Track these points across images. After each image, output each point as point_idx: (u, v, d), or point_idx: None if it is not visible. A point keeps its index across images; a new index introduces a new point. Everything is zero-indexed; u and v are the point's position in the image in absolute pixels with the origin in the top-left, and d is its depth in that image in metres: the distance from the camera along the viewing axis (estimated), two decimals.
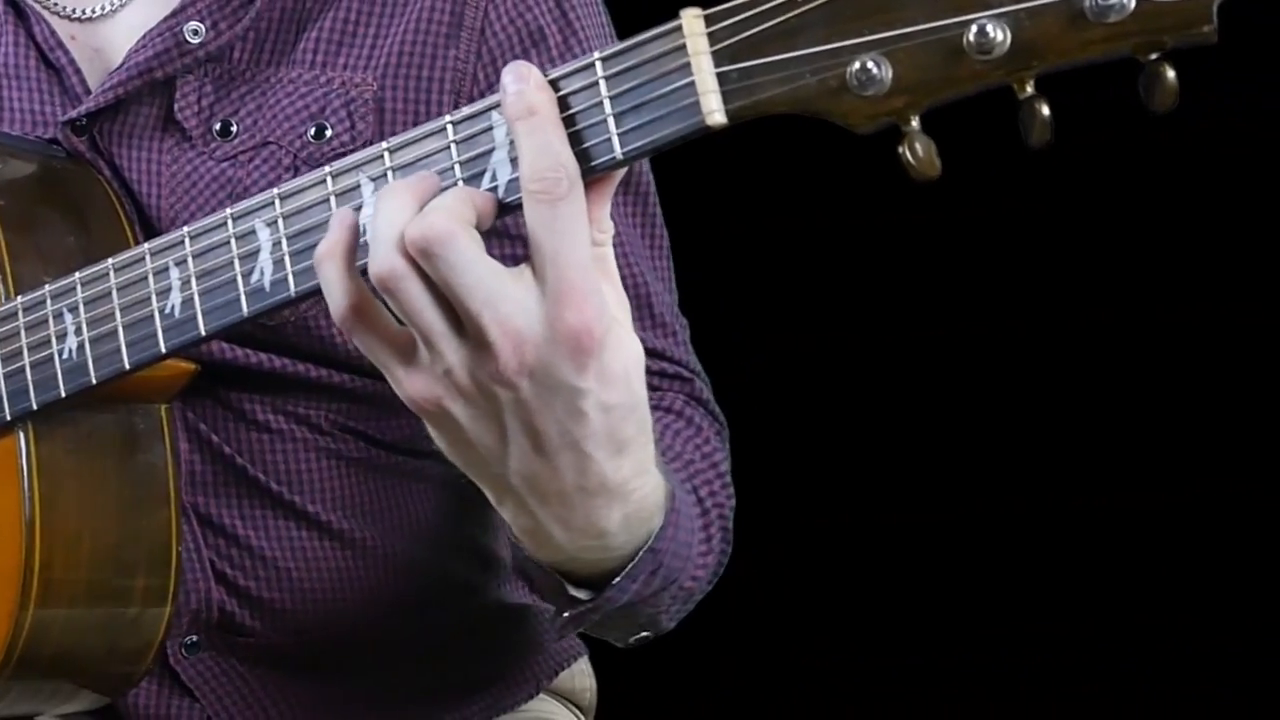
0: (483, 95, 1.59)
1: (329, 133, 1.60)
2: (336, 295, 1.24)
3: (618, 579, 1.37)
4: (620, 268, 1.60)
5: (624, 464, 1.28)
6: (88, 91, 1.63)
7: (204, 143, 1.60)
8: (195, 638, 1.62)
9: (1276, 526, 2.85)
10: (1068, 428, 2.89)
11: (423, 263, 1.20)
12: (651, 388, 1.59)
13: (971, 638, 2.90)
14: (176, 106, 1.61)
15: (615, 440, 1.26)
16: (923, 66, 1.15)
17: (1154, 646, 2.86)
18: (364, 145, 1.58)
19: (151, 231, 1.60)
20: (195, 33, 1.60)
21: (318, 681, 1.66)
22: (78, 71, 1.64)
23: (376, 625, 1.67)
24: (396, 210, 1.23)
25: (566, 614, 1.40)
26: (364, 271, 1.25)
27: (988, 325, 2.87)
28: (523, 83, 1.22)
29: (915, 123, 1.17)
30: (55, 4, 1.66)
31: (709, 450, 1.61)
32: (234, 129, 1.60)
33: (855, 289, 2.88)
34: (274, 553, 1.63)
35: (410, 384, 1.25)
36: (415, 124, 1.57)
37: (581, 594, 1.39)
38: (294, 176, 1.56)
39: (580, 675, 1.82)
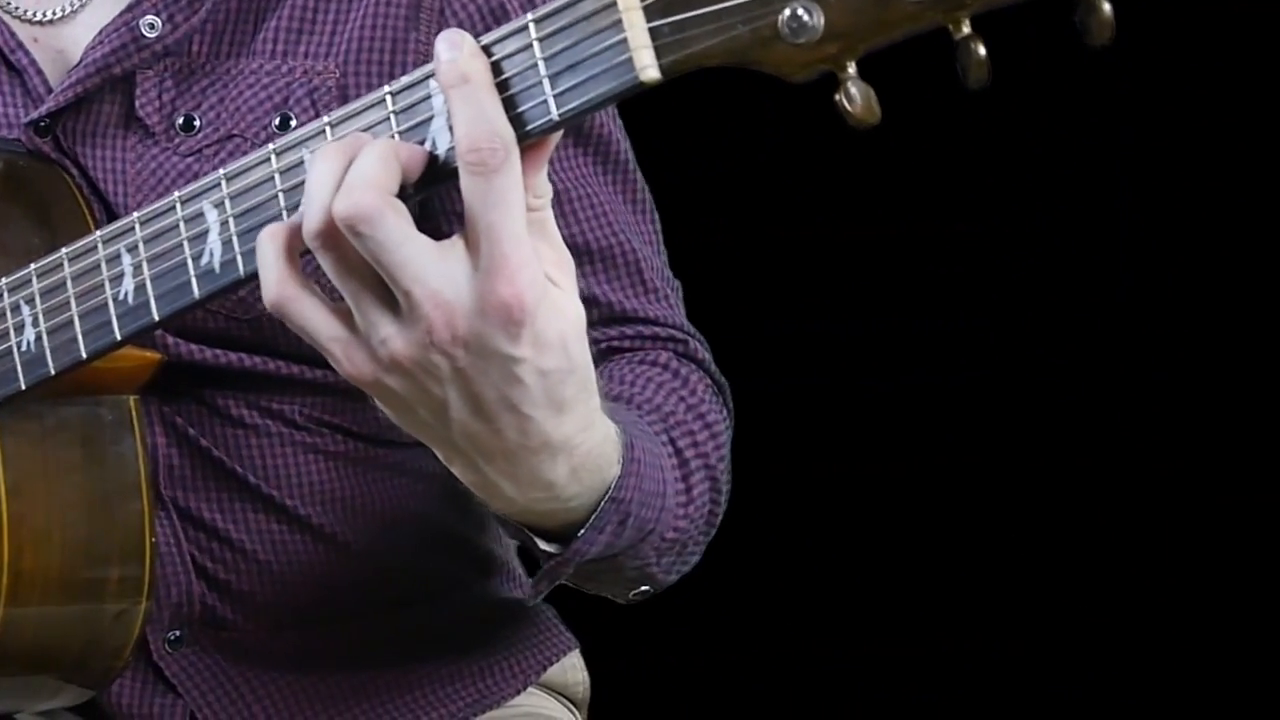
0: None
1: (294, 123, 1.58)
2: (270, 278, 1.24)
3: (584, 530, 1.38)
4: (605, 235, 1.62)
5: (565, 421, 1.29)
6: (50, 92, 1.62)
7: (167, 138, 1.59)
8: (178, 633, 1.61)
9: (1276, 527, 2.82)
10: (1067, 425, 2.87)
11: (351, 239, 1.20)
12: (638, 349, 1.60)
13: (971, 637, 2.87)
14: (138, 103, 1.59)
15: (555, 401, 1.27)
16: (854, 10, 1.13)
17: (1155, 648, 2.83)
18: None
19: None
20: (151, 27, 1.59)
21: (301, 676, 1.65)
22: (40, 73, 1.63)
23: (357, 620, 1.65)
24: (327, 173, 1.23)
25: (543, 566, 1.42)
26: None
27: (978, 315, 2.84)
28: (456, 50, 1.21)
29: (851, 69, 1.15)
30: (14, 7, 1.65)
31: (694, 402, 1.59)
32: (197, 123, 1.59)
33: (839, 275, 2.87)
34: (253, 546, 1.62)
35: (350, 362, 1.25)
36: None
37: (551, 548, 1.40)
38: None
39: (572, 669, 1.81)
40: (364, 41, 1.59)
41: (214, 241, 1.32)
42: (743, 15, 1.15)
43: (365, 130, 1.26)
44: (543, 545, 1.40)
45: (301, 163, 1.29)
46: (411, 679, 1.69)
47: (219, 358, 1.59)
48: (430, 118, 1.24)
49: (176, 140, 1.59)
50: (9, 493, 1.44)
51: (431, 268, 1.20)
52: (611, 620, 1.77)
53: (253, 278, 1.31)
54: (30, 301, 1.42)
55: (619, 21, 1.18)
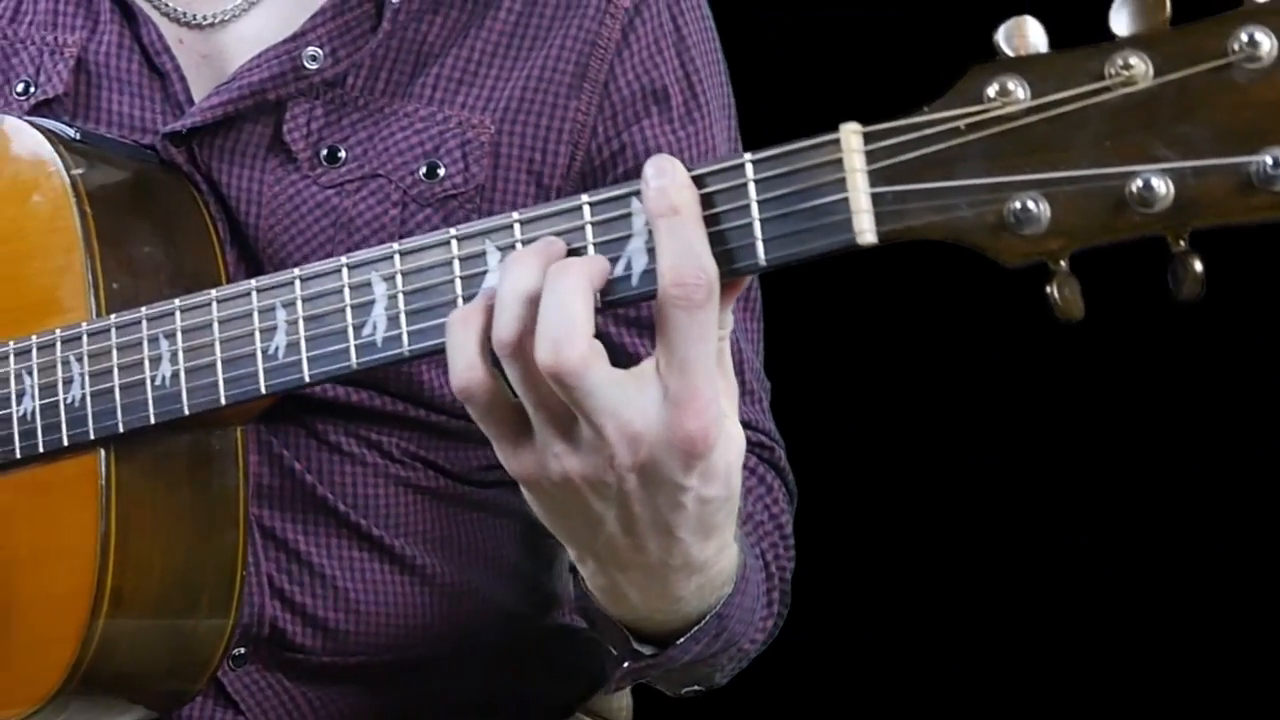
0: (600, 150, 1.61)
1: (441, 172, 1.58)
2: (461, 364, 1.24)
3: (682, 640, 1.41)
4: None
5: (709, 545, 1.31)
6: (191, 100, 1.60)
7: (310, 167, 1.58)
8: (243, 650, 1.61)
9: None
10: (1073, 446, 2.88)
11: (552, 384, 1.20)
12: None
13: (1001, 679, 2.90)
14: (285, 129, 1.58)
15: (705, 527, 1.29)
16: (1082, 212, 1.15)
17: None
18: (475, 188, 1.59)
19: (248, 251, 1.58)
20: (314, 58, 1.58)
21: (359, 697, 1.66)
22: (182, 79, 1.61)
23: (427, 648, 1.66)
24: (523, 282, 1.23)
25: (627, 664, 1.44)
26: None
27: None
28: (665, 178, 1.21)
29: (1064, 264, 1.17)
30: (168, 6, 1.63)
31: (776, 511, 1.63)
32: (342, 156, 1.58)
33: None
34: (333, 571, 1.63)
35: (517, 460, 1.26)
36: (529, 171, 1.59)
37: (646, 649, 1.43)
38: (401, 212, 1.57)
39: (617, 694, 1.83)
40: (524, 101, 1.59)
41: (379, 315, 1.32)
42: (969, 198, 1.16)
43: (558, 235, 1.25)
44: (638, 646, 1.42)
45: (484, 254, 1.28)
46: (465, 702, 1.70)
47: (326, 391, 1.58)
48: (628, 236, 1.24)
49: (318, 170, 1.58)
50: (118, 519, 1.43)
51: (624, 402, 1.21)
52: None
53: (416, 357, 1.32)
54: (171, 337, 1.40)
55: (843, 181, 1.18)
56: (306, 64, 1.58)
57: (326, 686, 1.65)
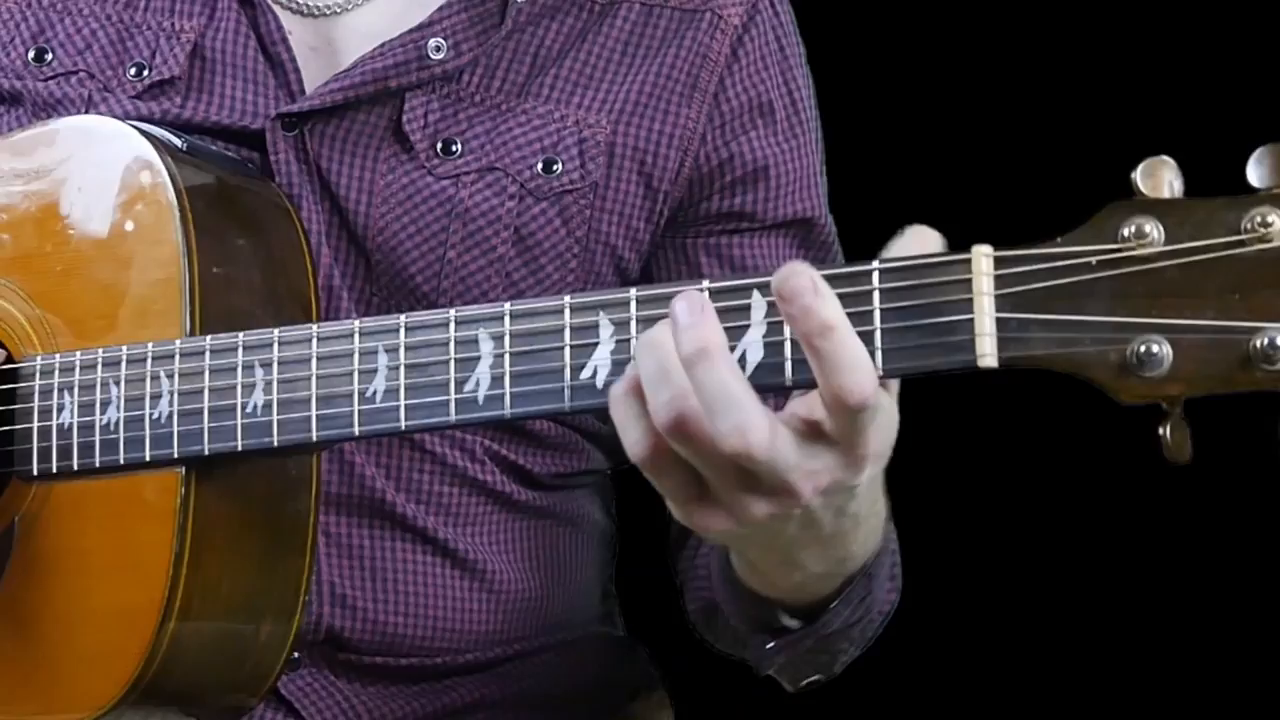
0: (708, 158, 1.68)
1: (558, 168, 1.63)
2: (633, 436, 1.23)
3: (834, 604, 1.44)
4: None
5: (865, 498, 1.32)
6: (303, 90, 1.63)
7: (425, 158, 1.62)
8: (296, 654, 1.61)
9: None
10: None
11: (739, 462, 1.21)
12: None
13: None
14: (405, 119, 1.62)
15: (873, 493, 1.33)
16: (1205, 361, 1.16)
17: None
18: (590, 185, 1.64)
19: (354, 240, 1.61)
20: (437, 49, 1.62)
21: (414, 696, 1.68)
22: (297, 70, 1.64)
23: (480, 651, 1.68)
24: (660, 358, 1.21)
25: (772, 644, 1.48)
26: None
27: None
28: (805, 296, 1.19)
29: (1179, 408, 1.18)
30: None
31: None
32: (457, 149, 1.62)
33: None
34: (395, 574, 1.64)
35: (702, 518, 1.26)
36: (640, 173, 1.66)
37: (794, 623, 1.46)
38: (517, 204, 1.62)
39: (659, 704, 1.84)
40: (638, 106, 1.65)
41: (483, 372, 1.33)
42: (1094, 334, 1.18)
43: None
44: (786, 621, 1.46)
45: (596, 325, 1.29)
46: (509, 705, 1.72)
47: None
48: (746, 327, 1.25)
49: (434, 162, 1.62)
50: (193, 539, 1.43)
51: (808, 455, 1.22)
52: (700, 662, 1.80)
53: (517, 419, 1.33)
54: (267, 366, 1.40)
55: (969, 301, 1.19)
56: (430, 54, 1.62)
57: (378, 686, 1.66)
